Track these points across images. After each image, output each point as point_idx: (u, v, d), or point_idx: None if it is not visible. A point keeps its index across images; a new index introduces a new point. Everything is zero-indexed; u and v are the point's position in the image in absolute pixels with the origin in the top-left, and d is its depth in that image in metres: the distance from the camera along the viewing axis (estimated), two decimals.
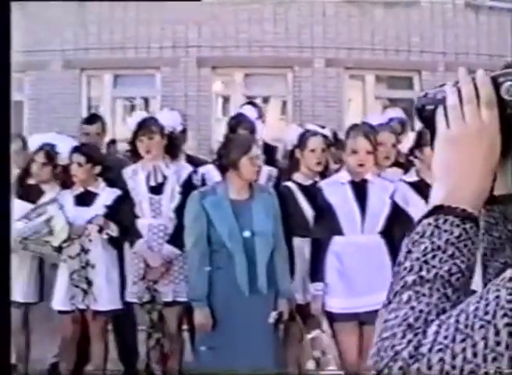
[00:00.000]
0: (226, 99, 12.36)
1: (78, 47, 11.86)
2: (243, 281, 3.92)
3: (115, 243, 4.60)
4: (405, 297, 0.84)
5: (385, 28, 12.16)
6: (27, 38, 11.83)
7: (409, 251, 0.89)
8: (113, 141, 10.94)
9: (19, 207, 4.65)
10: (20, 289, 4.73)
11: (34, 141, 4.94)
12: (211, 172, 4.53)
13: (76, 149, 4.66)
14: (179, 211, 4.39)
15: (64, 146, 4.81)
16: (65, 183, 4.79)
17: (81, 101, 11.82)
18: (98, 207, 4.56)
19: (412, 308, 0.83)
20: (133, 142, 4.58)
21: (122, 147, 6.01)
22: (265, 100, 12.34)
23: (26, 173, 4.78)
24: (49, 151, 4.72)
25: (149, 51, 11.76)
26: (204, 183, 4.50)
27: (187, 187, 4.48)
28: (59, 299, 4.59)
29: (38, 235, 4.54)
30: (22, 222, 4.60)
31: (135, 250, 4.54)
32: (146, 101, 12.41)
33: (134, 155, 4.62)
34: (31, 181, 4.85)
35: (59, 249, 4.53)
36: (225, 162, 4.01)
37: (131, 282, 4.57)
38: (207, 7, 11.94)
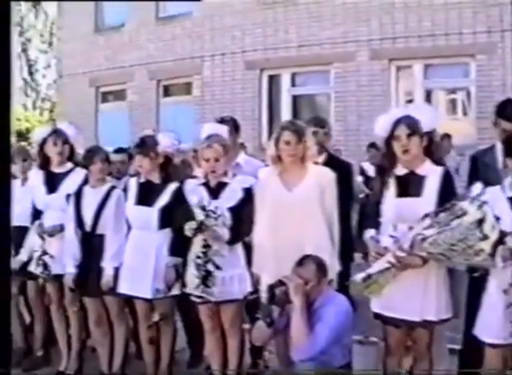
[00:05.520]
0: None
1: (385, 36, 11.49)
2: None
3: None
4: None
5: None
6: (334, 30, 11.70)
7: None
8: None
9: None
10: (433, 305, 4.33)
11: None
12: None
13: None
14: None
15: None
16: None
17: (390, 93, 11.43)
18: None
19: None
20: None
21: None
22: None
23: None
24: None
25: (461, 37, 11.07)
26: None
27: None
28: (493, 331, 4.13)
29: (467, 243, 4.03)
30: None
31: None
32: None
33: None
34: None
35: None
36: None
37: None
38: None
